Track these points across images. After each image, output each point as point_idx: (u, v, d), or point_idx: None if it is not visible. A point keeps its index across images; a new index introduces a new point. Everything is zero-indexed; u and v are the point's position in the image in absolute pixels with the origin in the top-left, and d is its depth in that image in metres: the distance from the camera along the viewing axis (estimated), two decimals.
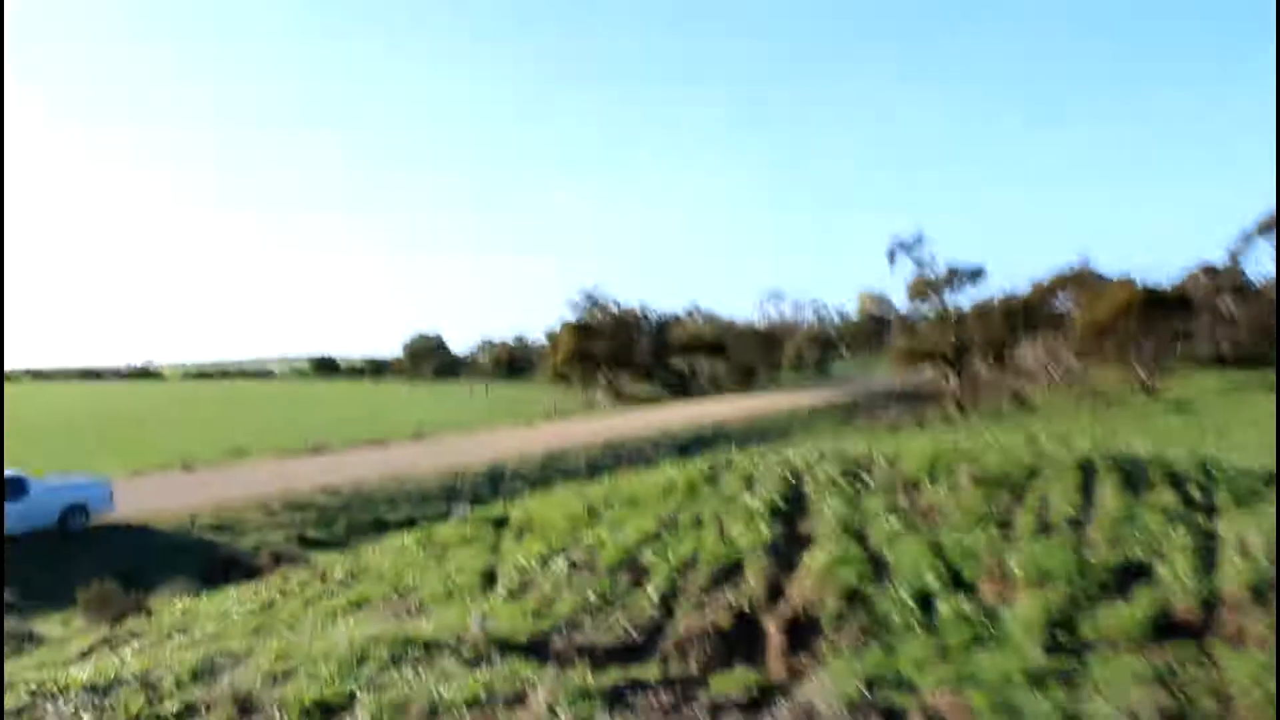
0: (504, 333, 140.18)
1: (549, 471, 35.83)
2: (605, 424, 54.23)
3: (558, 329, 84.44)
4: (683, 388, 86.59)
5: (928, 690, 6.65)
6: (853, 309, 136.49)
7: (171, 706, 6.17)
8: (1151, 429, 32.40)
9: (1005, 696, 6.48)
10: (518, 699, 5.95)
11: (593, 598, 9.15)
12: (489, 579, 10.77)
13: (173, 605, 13.85)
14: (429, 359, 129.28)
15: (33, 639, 13.98)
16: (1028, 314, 66.85)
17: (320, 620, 10.11)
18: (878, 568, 9.12)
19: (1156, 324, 63.27)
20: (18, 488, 23.31)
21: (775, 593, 8.91)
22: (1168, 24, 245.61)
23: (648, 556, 10.15)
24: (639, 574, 9.78)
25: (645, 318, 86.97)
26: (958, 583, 8.69)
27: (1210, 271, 78.43)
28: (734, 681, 6.90)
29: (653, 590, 9.13)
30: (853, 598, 8.51)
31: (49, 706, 6.36)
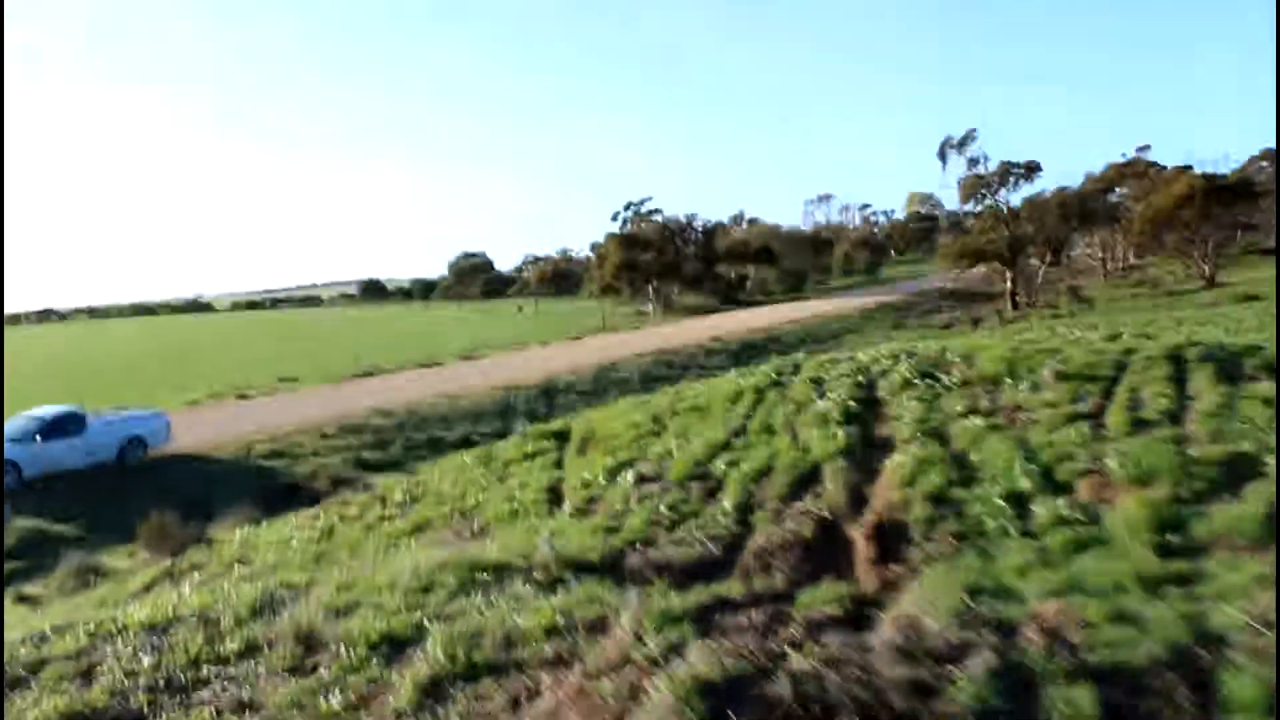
0: (549, 249, 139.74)
1: (602, 384, 35.53)
2: (656, 335, 53.82)
3: (603, 242, 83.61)
4: (732, 296, 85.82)
5: (1034, 599, 6.17)
6: (900, 210, 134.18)
7: (232, 645, 5.81)
8: (1220, 321, 31.28)
9: (1119, 604, 5.95)
10: (599, 626, 5.52)
11: (664, 511, 8.72)
12: (554, 496, 10.40)
13: (232, 535, 13.66)
14: (475, 278, 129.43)
15: (98, 573, 13.91)
16: (1083, 208, 65.01)
17: (382, 546, 9.82)
18: (964, 470, 8.59)
19: (1217, 214, 61.34)
20: (76, 423, 23.38)
21: (857, 500, 8.44)
22: None
23: (719, 467, 9.71)
24: (711, 485, 9.34)
25: (691, 227, 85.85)
26: (1052, 484, 8.14)
27: (1273, 156, 75.77)
28: (824, 596, 6.45)
29: (727, 502, 8.69)
30: (940, 502, 8.00)
31: (108, 649, 6.04)
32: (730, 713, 4.21)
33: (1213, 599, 6.01)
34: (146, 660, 5.70)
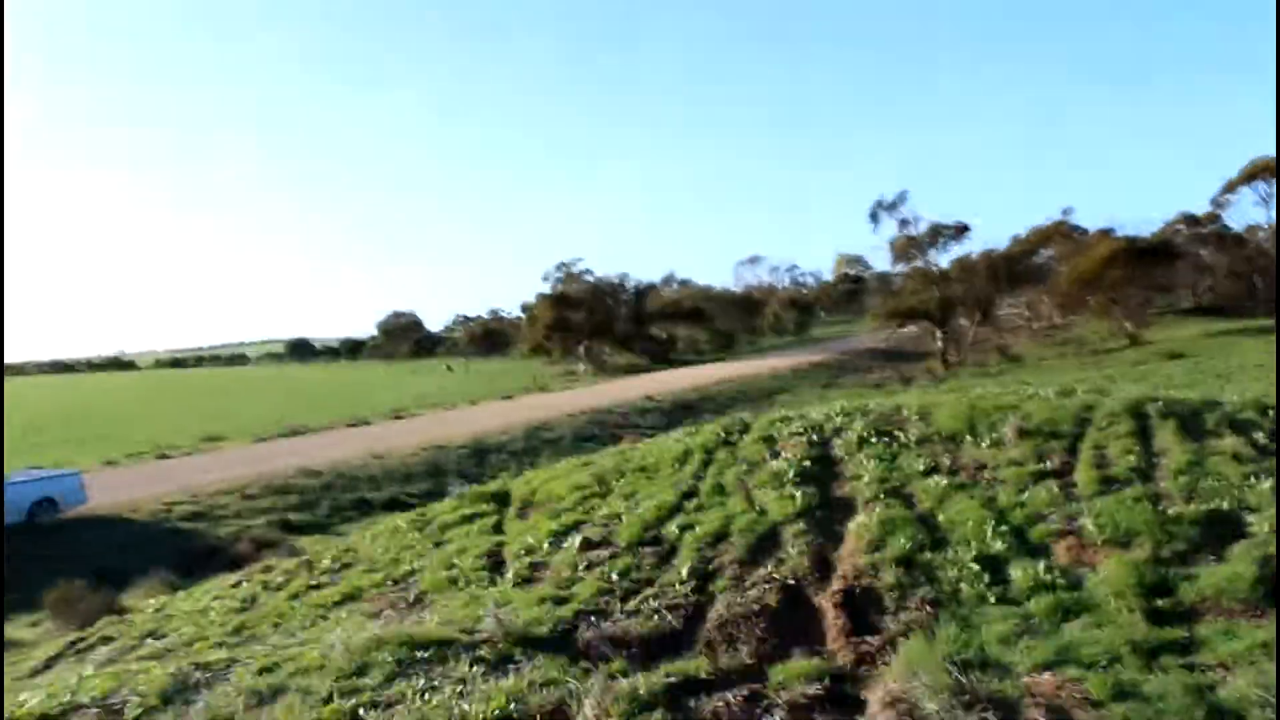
0: (479, 309, 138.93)
1: (534, 443, 34.83)
2: (587, 394, 53.20)
3: (534, 302, 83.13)
4: (663, 356, 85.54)
5: (1025, 672, 5.70)
6: (828, 272, 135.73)
7: None
8: (1152, 377, 31.60)
9: (1119, 678, 5.50)
10: (558, 714, 4.92)
11: (616, 579, 8.11)
12: (495, 562, 9.71)
13: (146, 604, 12.72)
14: (405, 338, 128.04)
15: None
16: (1011, 269, 66.12)
17: (309, 617, 9.05)
18: (932, 532, 8.15)
19: (1138, 275, 62.73)
20: None
21: (821, 565, 7.93)
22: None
23: (671, 531, 9.14)
24: (663, 551, 8.77)
25: (623, 286, 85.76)
26: (1026, 546, 7.74)
27: (1190, 221, 78.06)
28: (798, 672, 5.91)
29: (683, 569, 8.11)
30: (911, 566, 7.53)
31: None
32: None
33: (1214, 668, 5.60)
34: None
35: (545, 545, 9.59)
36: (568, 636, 6.87)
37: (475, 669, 5.87)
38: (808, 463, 10.30)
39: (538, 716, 4.87)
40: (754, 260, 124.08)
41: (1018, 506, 8.42)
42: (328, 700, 5.42)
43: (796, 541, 8.35)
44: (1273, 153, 67.47)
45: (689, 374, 63.58)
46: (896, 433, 10.84)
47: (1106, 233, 68.58)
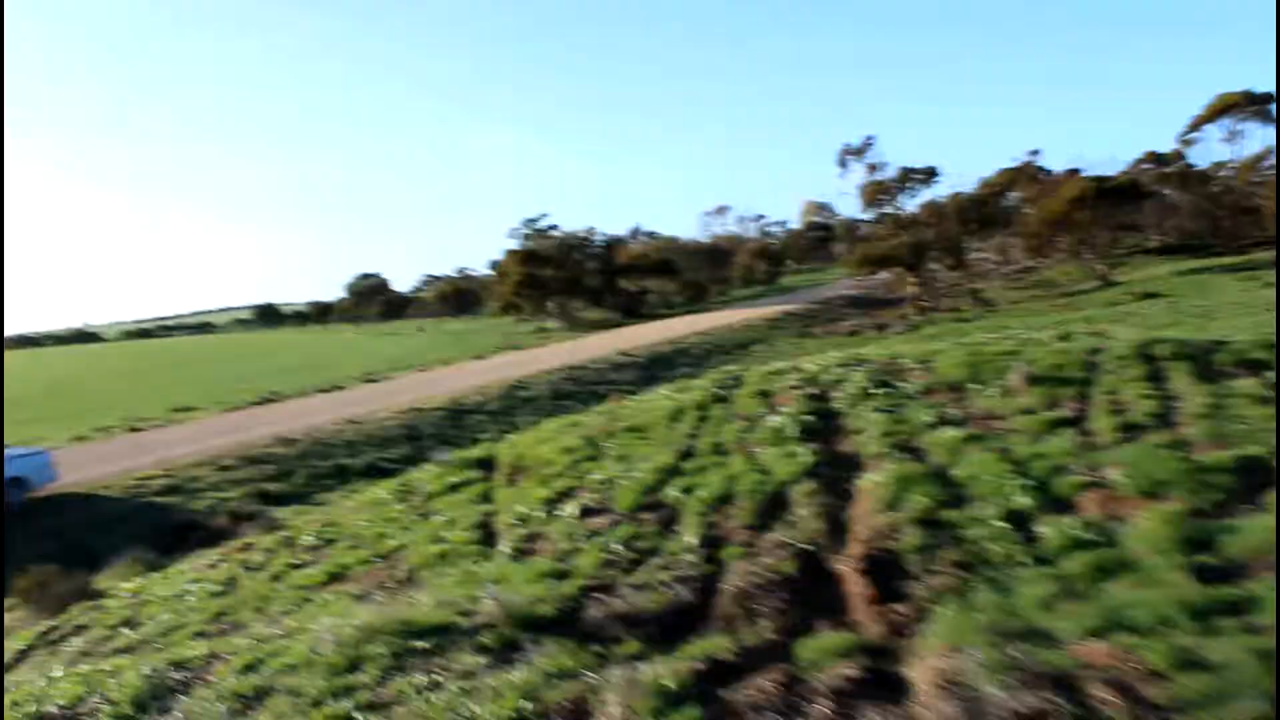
0: (446, 268, 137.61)
1: (511, 403, 34.27)
2: (561, 350, 52.60)
3: (503, 259, 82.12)
4: (634, 310, 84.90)
5: (1072, 640, 5.29)
6: (795, 220, 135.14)
7: None
8: (1132, 318, 31.38)
9: (1176, 645, 5.10)
10: (578, 711, 4.45)
11: (618, 548, 7.64)
12: (486, 534, 9.21)
13: (122, 587, 12.14)
14: (373, 300, 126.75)
15: None
16: (980, 211, 65.81)
17: (293, 600, 8.54)
18: (950, 489, 7.69)
19: (1106, 215, 62.58)
20: None
21: (836, 527, 7.48)
22: None
23: (671, 494, 8.66)
24: (665, 516, 8.30)
25: (590, 241, 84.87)
26: (1051, 500, 7.29)
27: (1156, 159, 77.97)
28: (828, 648, 5.48)
29: (689, 535, 7.65)
30: (932, 526, 7.08)
31: None
32: None
33: (1273, 630, 5.20)
34: None
35: (538, 514, 9.09)
36: (574, 615, 6.40)
37: (479, 658, 5.39)
38: (808, 417, 9.84)
39: (557, 716, 4.40)
40: (720, 210, 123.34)
41: (1036, 458, 7.98)
42: (318, 703, 4.92)
43: (806, 502, 7.90)
44: (1239, 88, 67.28)
45: (661, 327, 63.01)
46: (898, 383, 10.41)
47: (1073, 173, 68.38)
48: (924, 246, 62.63)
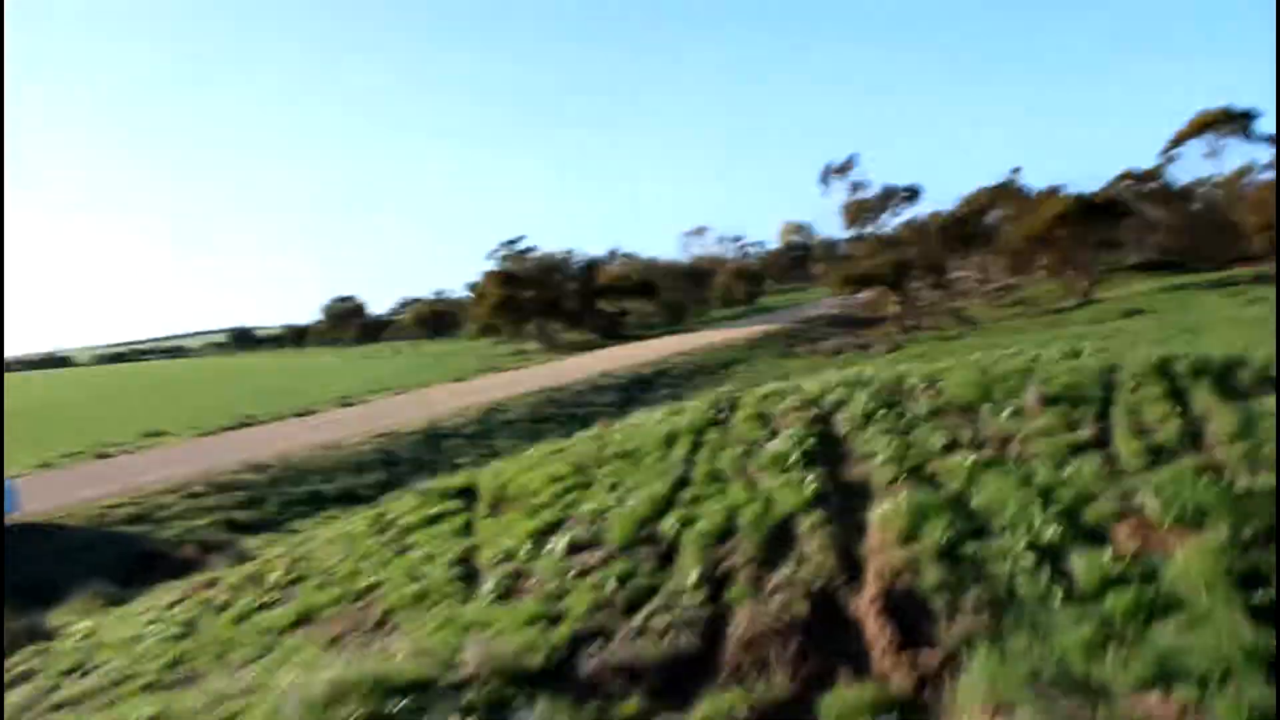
0: (423, 290, 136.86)
1: (489, 426, 33.62)
2: (541, 372, 51.99)
3: (481, 281, 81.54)
4: (614, 331, 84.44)
5: (1124, 693, 4.73)
6: (773, 241, 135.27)
7: None
8: (1121, 335, 31.04)
9: (1244, 696, 4.55)
10: None
11: (613, 588, 7.03)
12: (468, 571, 8.56)
13: (76, 627, 11.41)
14: (349, 323, 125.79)
15: None
16: (961, 230, 65.75)
17: (257, 646, 7.86)
18: (970, 519, 7.11)
19: (1087, 232, 62.63)
20: None
21: (849, 563, 6.89)
22: None
23: (668, 527, 8.04)
24: (662, 551, 7.68)
25: (569, 262, 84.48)
26: (1080, 531, 6.73)
27: (1136, 177, 78.08)
28: (852, 703, 4.91)
29: (690, 573, 7.04)
30: (954, 561, 6.51)
31: None
32: None
33: None
34: None
35: (525, 549, 8.43)
36: (567, 667, 5.79)
37: None
38: (811, 441, 9.26)
39: None
40: (700, 231, 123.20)
41: (1061, 484, 7.41)
42: None
43: (815, 535, 7.31)
44: (1219, 106, 67.51)
45: (642, 348, 62.50)
46: (905, 404, 9.85)
47: (1054, 191, 68.43)
48: (906, 265, 62.46)
